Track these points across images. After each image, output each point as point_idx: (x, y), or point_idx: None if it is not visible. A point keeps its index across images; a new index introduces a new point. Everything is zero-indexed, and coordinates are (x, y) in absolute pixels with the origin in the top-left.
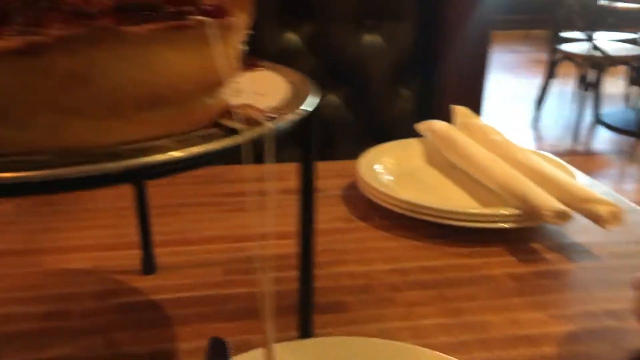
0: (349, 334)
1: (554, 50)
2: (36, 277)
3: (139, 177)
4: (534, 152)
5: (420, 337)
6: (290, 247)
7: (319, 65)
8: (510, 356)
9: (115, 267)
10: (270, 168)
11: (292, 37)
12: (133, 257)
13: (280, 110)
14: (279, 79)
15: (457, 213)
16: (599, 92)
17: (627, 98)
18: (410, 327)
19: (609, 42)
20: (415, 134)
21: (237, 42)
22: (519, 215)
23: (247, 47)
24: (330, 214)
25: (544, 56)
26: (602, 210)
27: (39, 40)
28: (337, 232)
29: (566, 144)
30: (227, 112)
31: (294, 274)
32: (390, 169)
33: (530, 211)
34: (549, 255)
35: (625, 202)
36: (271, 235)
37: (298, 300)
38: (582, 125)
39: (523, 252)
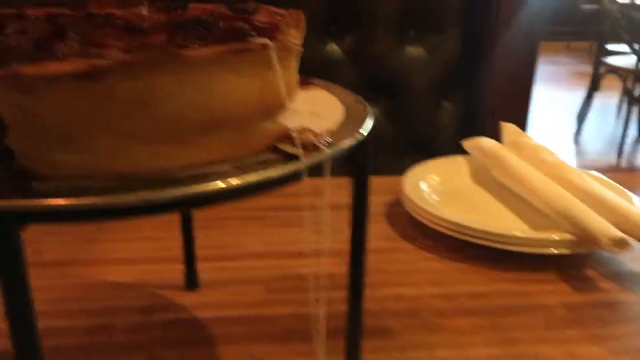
0: None
1: (599, 63)
2: (79, 289)
3: (196, 205)
4: (588, 174)
5: None
6: (336, 265)
7: (360, 76)
8: None
9: (158, 282)
10: (327, 193)
11: (334, 48)
12: (176, 271)
13: (337, 134)
14: (333, 99)
15: (506, 236)
16: None
17: None
18: (460, 356)
19: None
20: (458, 148)
21: (295, 64)
22: (572, 241)
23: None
24: (373, 232)
25: (586, 68)
26: None
27: (101, 64)
28: (381, 251)
29: (609, 158)
30: (285, 136)
31: (339, 294)
32: (436, 187)
33: (585, 237)
34: (605, 284)
35: None
36: (325, 255)
37: (347, 324)
38: (626, 140)
39: (576, 280)
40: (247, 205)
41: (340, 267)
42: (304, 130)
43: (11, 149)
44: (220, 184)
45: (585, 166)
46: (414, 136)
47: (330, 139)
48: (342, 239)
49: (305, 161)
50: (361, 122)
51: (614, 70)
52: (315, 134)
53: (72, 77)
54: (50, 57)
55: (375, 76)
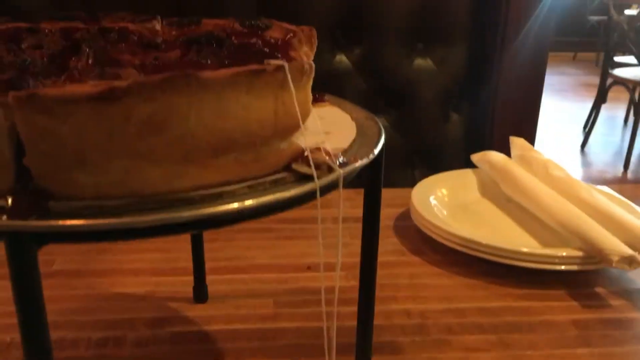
0: None
1: (606, 74)
2: (91, 300)
3: (211, 227)
4: (597, 190)
5: None
6: (344, 279)
7: (369, 88)
8: None
9: (168, 294)
10: (340, 213)
11: (343, 60)
12: (185, 283)
13: (350, 153)
14: (345, 116)
15: (515, 252)
16: None
17: None
18: None
19: None
20: (465, 159)
21: (309, 84)
22: (581, 258)
23: None
24: (382, 246)
25: (593, 79)
26: None
27: (119, 86)
28: (389, 265)
29: (615, 170)
30: (299, 156)
31: (348, 309)
32: (445, 200)
33: (594, 254)
34: (615, 301)
35: None
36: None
37: (356, 340)
38: (633, 152)
39: (586, 297)
40: None
41: (349, 281)
42: (317, 150)
43: (28, 169)
44: (234, 205)
45: (592, 177)
46: (421, 147)
47: (344, 159)
48: (350, 252)
49: (319, 182)
50: (373, 141)
51: (621, 81)
52: (329, 154)
53: (90, 99)
54: (65, 72)
55: (383, 88)
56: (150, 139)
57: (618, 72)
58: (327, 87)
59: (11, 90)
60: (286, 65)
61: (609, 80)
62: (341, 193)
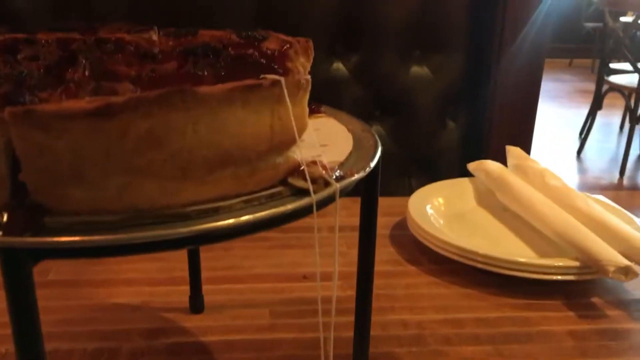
0: None
1: (601, 81)
2: (86, 310)
3: (208, 242)
4: (593, 199)
5: None
6: (341, 289)
7: (365, 95)
8: None
9: (164, 304)
10: (336, 228)
11: (340, 67)
12: (181, 293)
13: (347, 166)
14: (341, 128)
15: (512, 262)
16: None
17: None
18: None
19: None
20: (462, 167)
21: (306, 98)
22: (578, 268)
23: None
24: (378, 256)
25: (588, 86)
26: None
27: (116, 102)
28: (386, 275)
29: (611, 177)
30: (296, 170)
31: (345, 319)
32: (441, 210)
33: (591, 264)
34: (611, 312)
35: None
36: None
37: (353, 351)
38: (629, 158)
39: (582, 307)
40: None
41: (346, 291)
42: (313, 163)
43: (24, 184)
44: (231, 221)
45: (588, 184)
46: (418, 155)
47: (340, 172)
48: (347, 262)
49: (315, 196)
50: (370, 153)
51: (617, 88)
52: (325, 168)
53: (86, 115)
54: (61, 84)
55: (380, 95)
56: (146, 154)
57: (614, 78)
58: (324, 94)
59: (7, 105)
60: (282, 80)
61: (605, 87)
62: (337, 207)
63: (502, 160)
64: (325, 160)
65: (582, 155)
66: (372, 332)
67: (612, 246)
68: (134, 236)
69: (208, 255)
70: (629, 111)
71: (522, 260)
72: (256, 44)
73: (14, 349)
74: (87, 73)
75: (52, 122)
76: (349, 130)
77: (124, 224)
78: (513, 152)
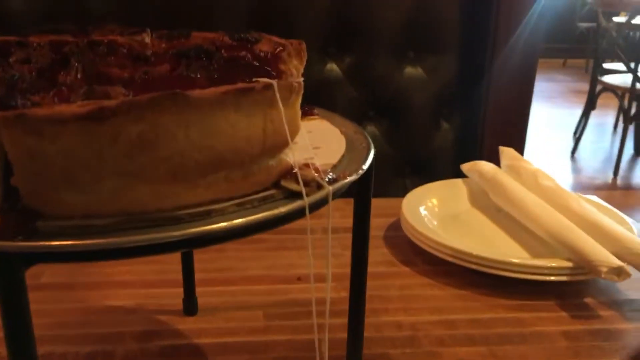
0: None
1: (595, 81)
2: (79, 313)
3: (200, 245)
4: (586, 199)
5: None
6: (334, 290)
7: (359, 96)
8: None
9: (158, 307)
10: (329, 230)
11: (334, 68)
12: (175, 295)
13: (339, 169)
14: (334, 130)
15: (506, 263)
16: None
17: None
18: None
19: None
20: (456, 168)
21: (298, 101)
22: (571, 268)
23: None
24: (373, 257)
25: (582, 86)
26: None
27: (108, 106)
28: (380, 276)
29: (605, 177)
30: (288, 173)
31: (338, 321)
32: (435, 211)
33: (583, 265)
34: (604, 312)
35: None
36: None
37: (347, 353)
38: (623, 158)
39: (575, 308)
40: None
41: (340, 292)
42: (306, 166)
43: (16, 188)
44: (223, 224)
45: (582, 184)
46: (412, 156)
47: (333, 175)
48: (341, 263)
49: (308, 199)
50: (362, 156)
51: (610, 88)
52: (318, 170)
53: (78, 119)
54: (54, 87)
55: (374, 96)
56: (139, 158)
57: (607, 79)
58: (317, 96)
59: None
60: (275, 83)
61: (599, 87)
62: (330, 209)
63: (496, 160)
64: (317, 162)
65: (576, 155)
66: (366, 334)
67: (605, 247)
68: (126, 240)
69: (202, 257)
70: (622, 111)
71: (516, 261)
72: (249, 46)
73: (6, 352)
74: (79, 76)
75: (44, 126)
76: (341, 132)
77: (116, 227)
78: (506, 152)
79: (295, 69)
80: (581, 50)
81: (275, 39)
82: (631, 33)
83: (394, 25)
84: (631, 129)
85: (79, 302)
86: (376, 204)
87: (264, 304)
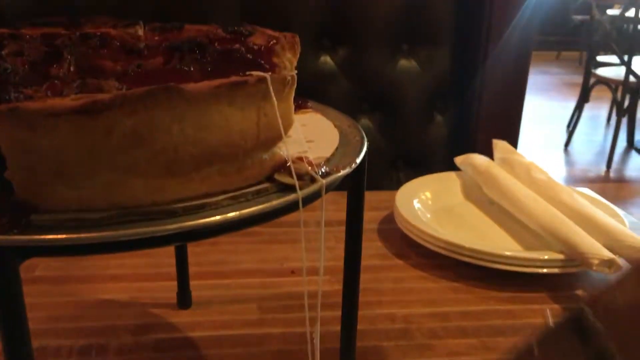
0: None
1: (589, 74)
2: (73, 307)
3: (194, 239)
4: (578, 192)
5: None
6: (328, 283)
7: (353, 89)
8: None
9: (152, 300)
10: (322, 224)
11: (327, 61)
12: (169, 289)
13: (333, 162)
14: (327, 123)
15: (498, 256)
16: (634, 118)
17: None
18: None
19: None
20: (450, 161)
21: (292, 94)
22: (562, 261)
23: None
24: (366, 250)
25: (576, 79)
26: None
27: (101, 99)
28: (374, 269)
29: (598, 169)
30: (282, 166)
31: (332, 314)
32: (428, 204)
33: (575, 257)
34: None
35: None
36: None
37: (340, 345)
38: (616, 151)
39: (567, 300)
40: None
41: (333, 285)
42: (300, 160)
43: (10, 182)
44: (217, 217)
45: (575, 176)
46: (406, 149)
47: (326, 168)
48: (334, 256)
49: (301, 192)
50: (356, 149)
51: (604, 81)
52: (311, 164)
53: (72, 112)
54: (46, 80)
55: (368, 89)
56: (132, 152)
57: (601, 71)
58: (311, 88)
59: None
60: (268, 77)
61: (592, 80)
62: (323, 203)
63: (490, 153)
64: (311, 156)
65: (570, 148)
66: (360, 326)
67: (597, 239)
68: (120, 233)
69: (196, 250)
70: (615, 104)
71: (508, 253)
72: (242, 39)
73: (1, 346)
74: (72, 69)
75: (37, 120)
76: (335, 126)
77: (110, 221)
78: (500, 145)
79: (289, 62)
80: (575, 42)
81: (269, 31)
82: (625, 25)
83: (388, 17)
84: (624, 121)
85: (73, 296)
86: (370, 197)
87: (259, 297)
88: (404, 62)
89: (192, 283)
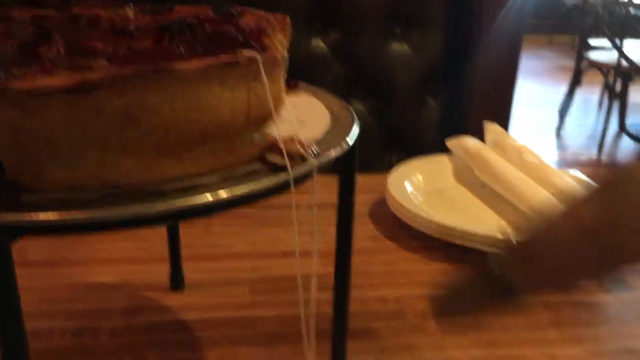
0: None
1: (581, 58)
2: (65, 290)
3: (185, 218)
4: (569, 175)
5: None
6: (320, 266)
7: (345, 72)
8: None
9: (143, 282)
10: (314, 205)
11: (319, 44)
12: (161, 271)
13: (324, 143)
14: (319, 105)
15: (488, 238)
16: (625, 102)
17: None
18: (444, 358)
19: (638, 51)
20: (441, 144)
21: (283, 74)
22: None
23: None
24: (358, 233)
25: (568, 63)
26: None
27: (90, 78)
28: (366, 252)
29: (590, 153)
30: (273, 147)
31: (324, 295)
32: (420, 186)
33: None
34: (585, 284)
35: None
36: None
37: (332, 326)
38: (607, 135)
39: None
40: None
41: (326, 268)
42: (291, 140)
43: (1, 162)
44: (208, 197)
45: (567, 160)
46: (398, 132)
47: (317, 149)
48: (327, 239)
49: (292, 172)
50: (347, 130)
51: (596, 65)
52: (302, 144)
53: (62, 91)
54: (36, 62)
55: (360, 72)
56: (123, 131)
57: (593, 55)
58: (304, 72)
59: None
60: (259, 57)
61: (584, 64)
62: (314, 183)
63: (482, 137)
64: (302, 137)
65: (561, 131)
66: (352, 308)
67: None
68: (111, 213)
69: (188, 232)
70: (607, 88)
71: (498, 236)
72: (233, 20)
73: None
74: (62, 50)
75: (27, 100)
76: (326, 107)
77: (102, 200)
78: (491, 128)
79: (280, 43)
80: (567, 26)
81: (260, 13)
82: (617, 9)
83: (380, 0)
84: (615, 105)
85: (65, 279)
86: (362, 180)
87: (250, 279)
88: (396, 46)
89: (185, 266)
